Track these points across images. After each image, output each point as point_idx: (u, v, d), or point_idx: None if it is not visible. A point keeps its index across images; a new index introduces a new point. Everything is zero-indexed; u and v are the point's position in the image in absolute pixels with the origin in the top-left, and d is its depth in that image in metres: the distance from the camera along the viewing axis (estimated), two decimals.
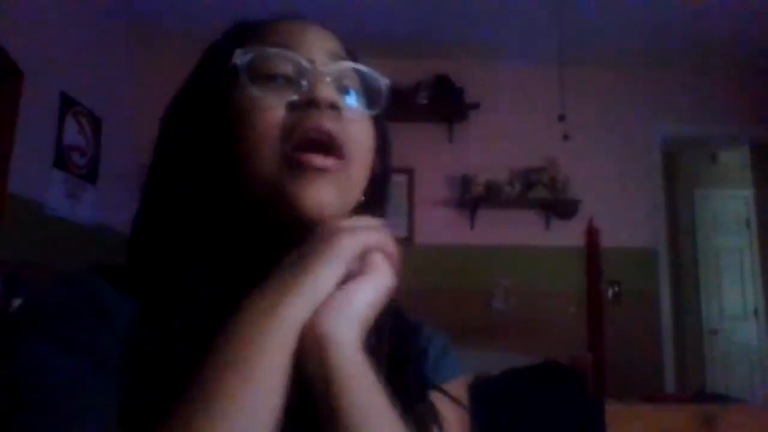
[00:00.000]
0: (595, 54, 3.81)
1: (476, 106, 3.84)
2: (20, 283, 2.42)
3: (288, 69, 0.52)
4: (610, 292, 3.87)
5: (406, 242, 3.71)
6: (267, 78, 0.52)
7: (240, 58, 0.52)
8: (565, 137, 3.18)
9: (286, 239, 0.50)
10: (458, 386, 0.60)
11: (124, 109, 3.43)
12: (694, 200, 5.18)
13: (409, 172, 3.85)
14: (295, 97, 0.51)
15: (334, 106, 0.51)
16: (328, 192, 0.50)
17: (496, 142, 3.91)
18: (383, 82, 0.56)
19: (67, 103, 2.93)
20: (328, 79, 0.52)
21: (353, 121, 0.53)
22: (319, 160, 0.49)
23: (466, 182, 3.80)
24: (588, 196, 3.81)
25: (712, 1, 3.23)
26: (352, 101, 0.55)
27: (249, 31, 0.56)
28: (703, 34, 3.60)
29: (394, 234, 0.51)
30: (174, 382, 0.43)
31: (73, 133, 2.98)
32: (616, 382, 3.39)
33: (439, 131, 3.95)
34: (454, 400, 0.57)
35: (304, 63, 0.52)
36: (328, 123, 0.50)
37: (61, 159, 2.89)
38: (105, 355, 0.45)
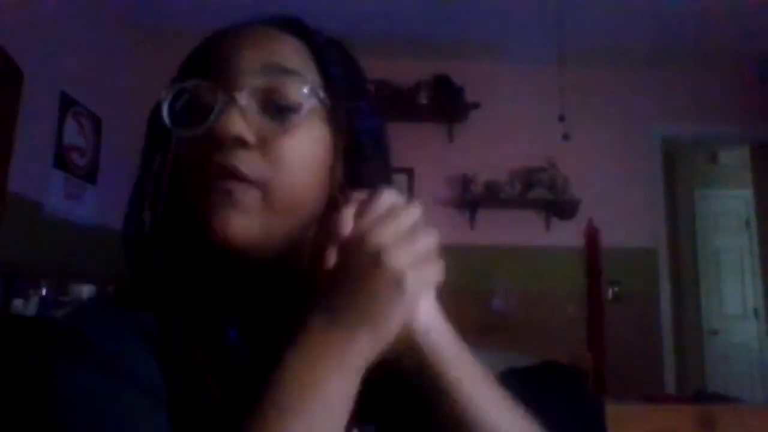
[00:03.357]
0: (595, 54, 3.81)
1: (476, 106, 3.84)
2: (20, 283, 2.43)
3: (208, 99, 0.49)
4: (610, 292, 3.87)
5: None
6: (194, 111, 0.50)
7: (163, 97, 0.50)
8: (565, 137, 3.18)
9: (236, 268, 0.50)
10: None
11: (124, 109, 3.42)
12: (694, 200, 5.17)
13: (409, 172, 3.85)
14: (203, 132, 0.48)
15: (239, 140, 0.47)
16: (238, 221, 0.48)
17: (496, 142, 3.91)
18: (303, 94, 0.50)
19: (67, 103, 2.93)
20: (241, 103, 0.48)
21: (284, 141, 0.49)
22: (222, 187, 0.47)
23: (466, 182, 3.80)
24: (588, 196, 3.81)
25: (713, 1, 3.23)
26: (284, 118, 0.49)
27: (192, 57, 0.54)
28: (703, 35, 3.60)
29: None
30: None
31: (73, 133, 2.98)
32: (616, 382, 3.39)
33: (439, 131, 3.94)
34: None
35: (215, 92, 0.49)
36: (232, 159, 0.47)
37: (61, 159, 2.89)
38: (150, 380, 0.45)
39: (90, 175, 3.15)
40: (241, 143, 0.47)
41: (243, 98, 0.48)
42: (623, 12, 3.38)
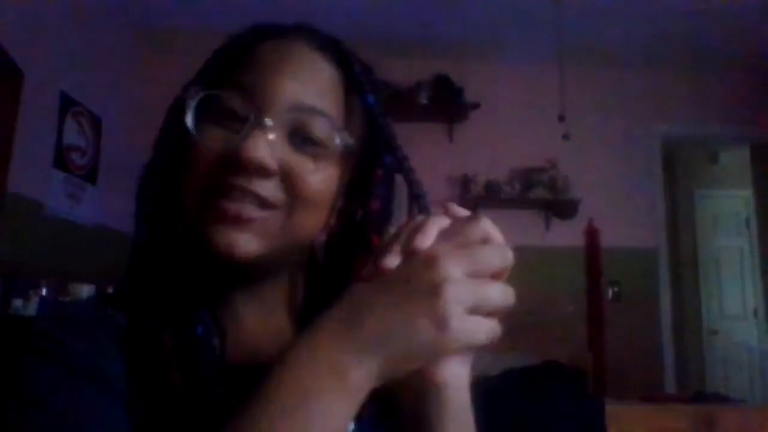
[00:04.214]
0: (595, 54, 3.81)
1: (476, 106, 3.84)
2: (20, 283, 2.43)
3: (235, 107, 0.50)
4: (610, 292, 3.87)
5: None
6: (217, 113, 0.50)
7: (190, 94, 0.50)
8: (565, 137, 3.18)
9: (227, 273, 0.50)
10: None
11: (124, 109, 3.42)
12: (694, 200, 5.18)
13: None
14: (224, 147, 0.48)
15: (262, 167, 0.47)
16: (243, 240, 0.48)
17: (496, 142, 3.91)
18: (339, 138, 0.52)
19: (67, 103, 2.93)
20: (269, 130, 0.48)
21: (304, 175, 0.50)
22: (234, 207, 0.47)
23: (466, 182, 3.80)
24: (588, 196, 3.81)
25: (713, 1, 3.23)
26: (308, 151, 0.50)
27: (230, 56, 0.54)
28: (703, 34, 3.60)
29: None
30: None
31: (73, 133, 2.98)
32: (616, 382, 3.39)
33: (439, 131, 3.95)
34: None
35: (245, 108, 0.49)
36: (250, 184, 0.47)
37: (61, 159, 2.89)
38: (111, 378, 0.45)
39: (90, 175, 3.15)
40: (263, 171, 0.48)
41: (272, 125, 0.49)
42: (623, 12, 3.38)
